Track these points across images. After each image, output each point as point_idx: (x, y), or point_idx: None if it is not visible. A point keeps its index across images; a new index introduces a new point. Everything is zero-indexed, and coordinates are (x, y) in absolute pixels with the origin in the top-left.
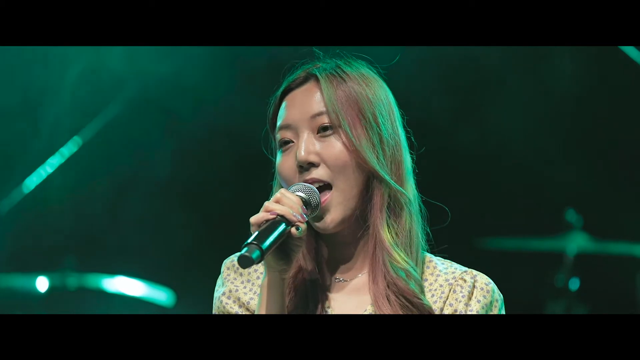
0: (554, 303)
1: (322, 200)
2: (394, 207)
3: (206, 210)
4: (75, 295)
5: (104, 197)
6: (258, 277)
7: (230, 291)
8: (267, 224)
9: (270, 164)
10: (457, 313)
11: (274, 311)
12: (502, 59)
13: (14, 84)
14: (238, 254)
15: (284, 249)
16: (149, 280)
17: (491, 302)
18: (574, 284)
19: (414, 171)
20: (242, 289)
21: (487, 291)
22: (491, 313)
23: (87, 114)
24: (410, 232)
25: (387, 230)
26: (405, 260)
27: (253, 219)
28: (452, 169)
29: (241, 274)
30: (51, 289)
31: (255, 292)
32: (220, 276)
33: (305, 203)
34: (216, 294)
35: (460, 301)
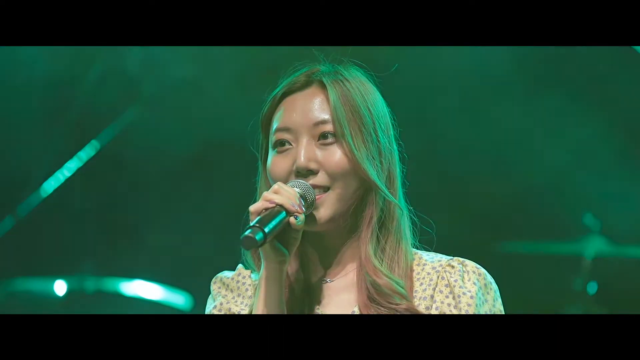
0: (572, 307)
1: (316, 197)
2: (385, 220)
3: (223, 213)
4: (93, 298)
5: (120, 201)
6: (247, 290)
7: (221, 304)
8: (267, 212)
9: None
10: (452, 297)
11: (273, 303)
12: (510, 59)
13: (31, 86)
14: (227, 270)
15: (282, 240)
16: (166, 284)
17: (486, 285)
18: (592, 288)
19: (403, 184)
20: (232, 302)
21: (479, 274)
22: (488, 296)
23: (105, 117)
24: (399, 243)
25: (372, 247)
26: (388, 277)
27: (252, 208)
28: (468, 172)
29: (231, 290)
30: (69, 293)
31: (246, 305)
32: (210, 295)
33: (302, 198)
34: (207, 310)
35: (454, 285)
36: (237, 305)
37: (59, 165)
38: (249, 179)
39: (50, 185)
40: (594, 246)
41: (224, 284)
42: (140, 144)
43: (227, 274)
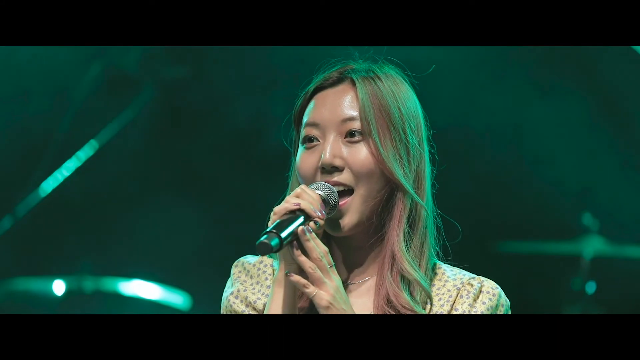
0: (571, 307)
1: (341, 203)
2: (412, 220)
3: (222, 212)
4: (91, 298)
5: (119, 201)
6: (267, 279)
7: (238, 291)
8: (287, 216)
9: (285, 159)
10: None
11: (286, 305)
12: (511, 59)
13: (29, 86)
14: (251, 255)
15: (300, 244)
16: (165, 284)
17: (496, 306)
18: (591, 288)
19: (433, 186)
20: (250, 289)
21: (493, 294)
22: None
23: (103, 117)
24: (422, 246)
25: (402, 242)
26: (416, 271)
27: (276, 209)
28: (467, 172)
29: (251, 276)
30: (68, 293)
31: (263, 294)
32: (230, 278)
33: (324, 202)
34: (225, 294)
35: (464, 302)
36: (254, 294)
37: (58, 165)
38: (248, 179)
39: (49, 185)
40: (593, 246)
41: (244, 268)
42: (140, 143)
43: (250, 259)
